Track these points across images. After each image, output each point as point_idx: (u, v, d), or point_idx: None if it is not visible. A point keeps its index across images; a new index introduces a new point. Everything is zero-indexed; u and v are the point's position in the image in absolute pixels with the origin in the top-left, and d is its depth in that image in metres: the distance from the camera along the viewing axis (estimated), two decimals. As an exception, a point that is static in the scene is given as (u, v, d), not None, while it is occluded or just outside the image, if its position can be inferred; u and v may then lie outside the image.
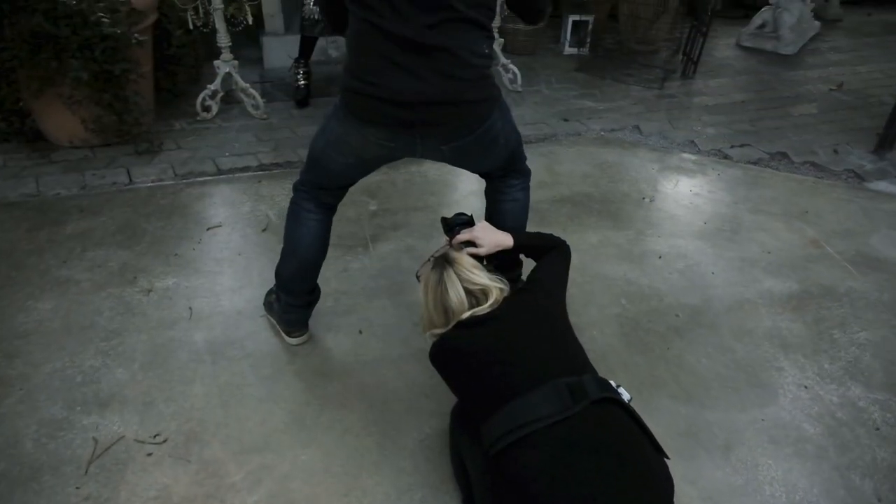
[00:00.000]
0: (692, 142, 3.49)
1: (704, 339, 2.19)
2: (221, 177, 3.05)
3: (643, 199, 2.97)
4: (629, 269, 2.52)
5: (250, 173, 3.08)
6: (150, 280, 2.39)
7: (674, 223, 2.80)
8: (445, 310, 1.66)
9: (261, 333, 2.16)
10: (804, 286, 2.45)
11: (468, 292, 1.65)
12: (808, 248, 2.68)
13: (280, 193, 2.91)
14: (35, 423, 1.84)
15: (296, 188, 1.98)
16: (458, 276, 1.67)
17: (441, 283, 1.67)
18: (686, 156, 3.36)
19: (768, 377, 2.05)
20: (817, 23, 5.08)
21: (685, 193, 3.02)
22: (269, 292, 2.24)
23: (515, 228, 1.92)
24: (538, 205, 2.89)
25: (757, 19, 4.85)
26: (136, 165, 3.09)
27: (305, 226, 1.96)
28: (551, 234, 1.92)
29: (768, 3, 4.90)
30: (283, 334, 2.14)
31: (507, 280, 1.77)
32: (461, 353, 1.60)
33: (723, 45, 4.87)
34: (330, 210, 1.99)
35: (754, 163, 3.32)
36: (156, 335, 2.15)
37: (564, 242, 1.88)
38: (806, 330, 2.24)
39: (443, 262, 1.70)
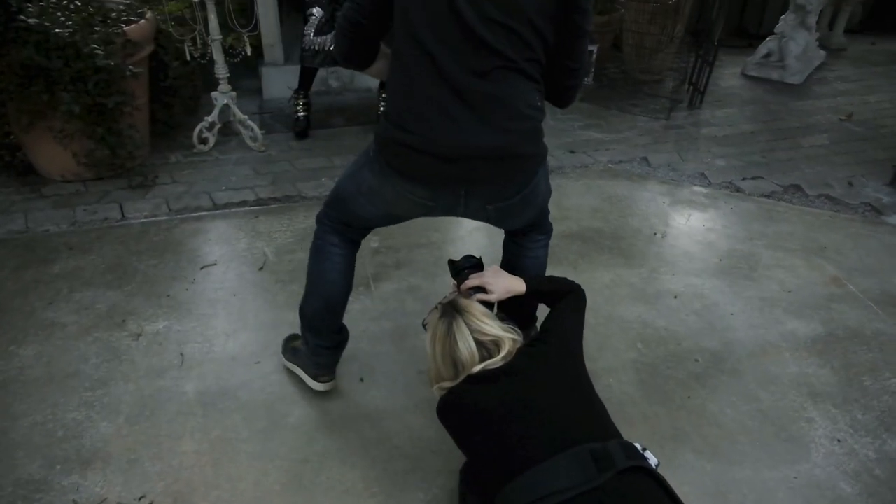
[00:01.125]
0: (702, 174, 3.40)
1: (727, 387, 2.06)
2: (217, 212, 2.94)
3: (655, 234, 2.86)
4: (644, 310, 2.40)
5: (247, 208, 2.97)
6: (140, 323, 2.26)
7: (688, 260, 2.69)
8: (455, 362, 1.54)
9: (255, 382, 2.03)
10: (829, 328, 2.33)
11: (479, 343, 1.53)
12: (830, 286, 2.56)
13: (277, 230, 2.80)
14: (11, 483, 1.70)
15: (319, 220, 1.84)
16: (468, 325, 1.55)
17: (450, 334, 1.55)
18: (697, 189, 3.26)
19: (798, 429, 1.92)
20: (822, 52, 5.03)
21: (698, 228, 2.92)
22: (290, 338, 2.11)
23: (528, 275, 1.80)
24: (546, 241, 2.78)
25: (762, 49, 4.80)
26: (129, 200, 2.98)
27: (330, 261, 1.82)
28: (564, 278, 1.80)
29: (773, 33, 4.86)
30: (309, 380, 1.99)
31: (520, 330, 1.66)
32: (472, 410, 1.47)
33: (728, 75, 4.81)
34: (355, 245, 1.87)
35: (768, 196, 3.22)
36: (144, 384, 2.02)
37: (579, 287, 1.76)
38: (834, 376, 2.11)
39: (451, 310, 1.58)
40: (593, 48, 4.34)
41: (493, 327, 1.56)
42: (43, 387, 2.00)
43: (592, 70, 4.39)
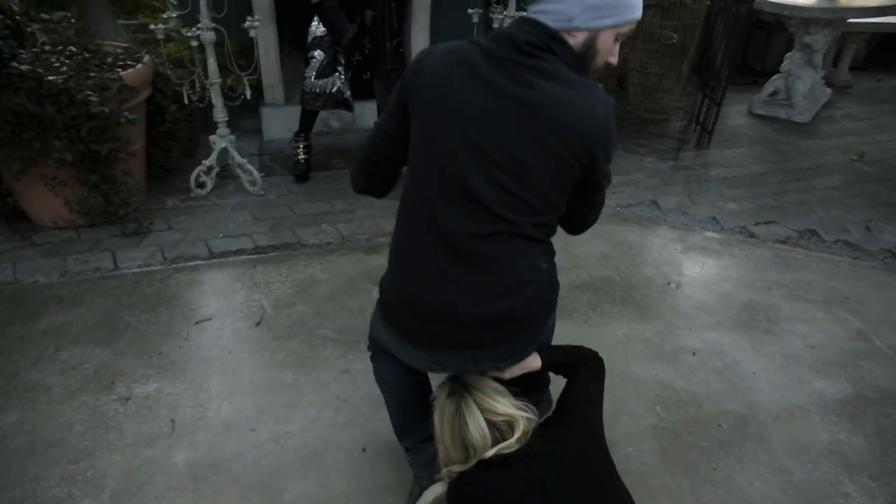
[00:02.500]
0: (714, 218, 3.30)
1: (755, 457, 1.93)
2: (213, 261, 2.83)
3: (669, 284, 2.75)
4: (661, 368, 2.27)
5: (244, 257, 2.87)
6: (129, 386, 2.14)
7: (704, 313, 2.57)
8: (465, 445, 1.42)
9: (249, 453, 1.90)
10: (858, 388, 2.20)
11: (491, 424, 1.41)
12: (856, 341, 2.44)
13: (276, 280, 2.69)
14: (-18, 572, 1.56)
15: (368, 343, 1.75)
16: (479, 405, 1.43)
17: (459, 415, 1.42)
18: (709, 234, 3.16)
19: (834, 506, 1.78)
20: (829, 90, 4.98)
21: (713, 278, 2.80)
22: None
23: (541, 346, 1.69)
24: (556, 292, 2.67)
25: (769, 87, 4.74)
26: (122, 248, 2.88)
27: (387, 374, 1.70)
28: (581, 347, 1.68)
29: (777, 71, 4.82)
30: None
31: (534, 403, 1.53)
32: (486, 499, 1.35)
33: (734, 113, 4.75)
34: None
35: (783, 242, 3.12)
36: (131, 455, 1.89)
37: (597, 356, 1.64)
38: (868, 444, 1.98)
39: (459, 388, 1.46)
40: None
41: (505, 405, 1.44)
42: (24, 458, 1.87)
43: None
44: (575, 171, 1.35)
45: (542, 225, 1.38)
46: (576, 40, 1.33)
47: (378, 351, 1.69)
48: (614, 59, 1.41)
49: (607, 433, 1.50)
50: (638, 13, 1.36)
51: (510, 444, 1.38)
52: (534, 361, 1.56)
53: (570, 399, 1.50)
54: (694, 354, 2.35)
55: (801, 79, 4.57)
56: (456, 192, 1.33)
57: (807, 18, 4.29)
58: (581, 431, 1.43)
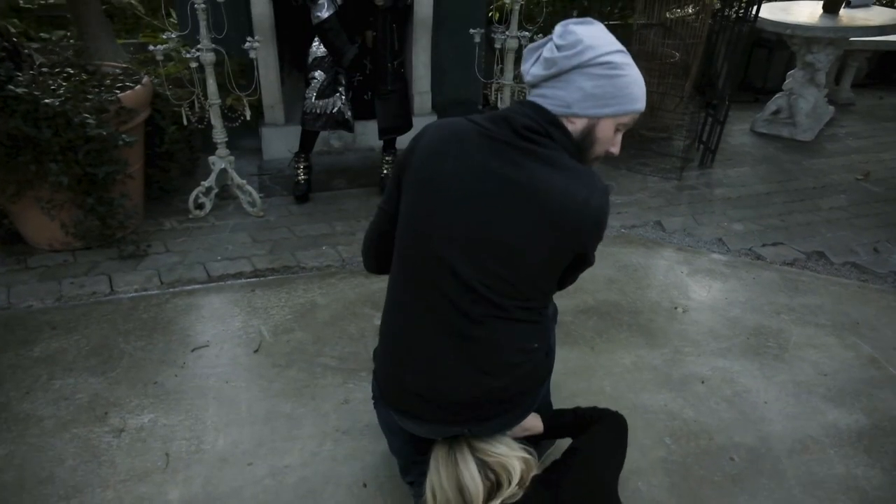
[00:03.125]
0: (720, 240, 3.25)
1: (769, 493, 1.86)
2: (212, 285, 2.78)
3: (675, 308, 2.70)
4: (670, 398, 2.22)
5: (243, 280, 2.82)
6: (123, 417, 2.08)
7: (713, 339, 2.52)
8: (460, 489, 1.36)
9: (246, 489, 1.84)
10: (873, 419, 2.14)
11: (484, 465, 1.35)
12: (868, 368, 2.38)
13: (275, 305, 2.64)
14: None
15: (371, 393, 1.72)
16: (470, 445, 1.38)
17: (451, 457, 1.38)
18: (716, 256, 3.11)
19: (853, 546, 1.72)
20: (831, 108, 4.96)
21: (720, 302, 2.75)
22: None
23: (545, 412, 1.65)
24: (560, 316, 2.60)
25: (771, 105, 4.72)
26: (119, 272, 2.83)
27: (389, 418, 1.65)
28: (595, 407, 1.62)
29: (780, 89, 4.79)
30: None
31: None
32: None
33: (737, 132, 4.72)
34: None
35: (790, 264, 3.07)
36: (123, 492, 1.82)
37: (616, 414, 1.58)
38: (886, 479, 1.92)
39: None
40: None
41: (499, 446, 1.39)
42: (13, 495, 1.80)
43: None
44: (567, 257, 1.34)
45: (531, 308, 1.36)
46: (574, 127, 1.31)
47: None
48: (615, 149, 1.39)
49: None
50: (639, 105, 1.33)
51: (513, 494, 1.32)
52: (535, 422, 1.51)
53: (580, 442, 1.45)
54: (703, 382, 2.29)
55: (803, 97, 4.55)
56: (443, 273, 1.30)
57: (809, 37, 4.27)
58: (585, 474, 1.37)
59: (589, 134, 1.32)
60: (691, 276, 2.94)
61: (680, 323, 2.61)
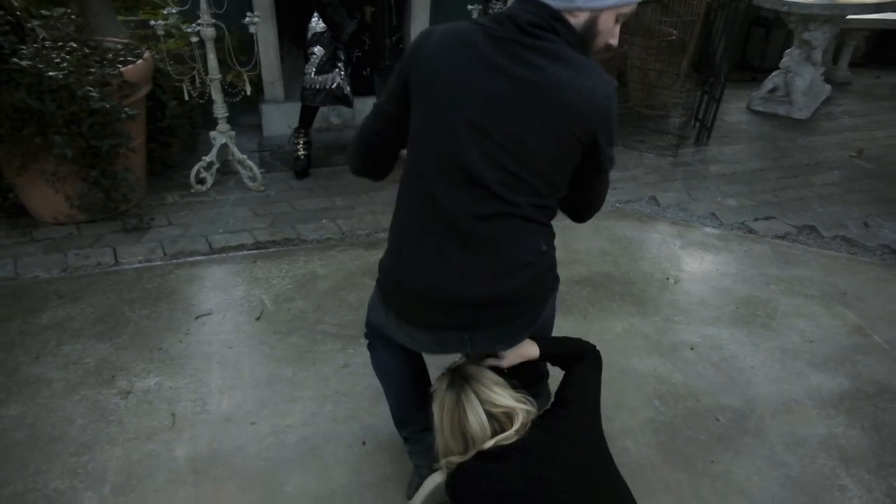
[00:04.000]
0: (713, 214, 3.31)
1: (752, 450, 1.94)
2: (214, 256, 2.84)
3: (667, 279, 2.76)
4: (659, 363, 2.29)
5: (244, 252, 2.88)
6: (130, 380, 2.15)
7: (703, 308, 2.58)
8: (464, 436, 1.43)
9: (250, 446, 1.91)
10: (856, 383, 2.21)
11: (490, 416, 1.42)
12: (854, 336, 2.45)
13: (276, 276, 2.70)
14: (-16, 564, 1.58)
15: (366, 331, 1.78)
16: (479, 396, 1.44)
17: (459, 406, 1.44)
18: (708, 230, 3.17)
19: (831, 499, 1.80)
20: (828, 86, 4.98)
21: (712, 273, 2.81)
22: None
23: (539, 336, 1.69)
24: (555, 287, 2.67)
25: (768, 83, 4.75)
26: (123, 244, 2.89)
27: (385, 362, 1.73)
28: (579, 339, 1.69)
29: (777, 67, 4.82)
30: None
31: (533, 396, 1.55)
32: (485, 492, 1.36)
33: (734, 110, 4.75)
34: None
35: (781, 237, 3.13)
36: (132, 449, 1.90)
37: (594, 349, 1.65)
38: (866, 438, 1.99)
39: (460, 379, 1.47)
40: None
41: (504, 398, 1.45)
42: (26, 452, 1.88)
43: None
44: (576, 151, 1.35)
45: (543, 206, 1.38)
46: (577, 20, 1.34)
47: (376, 338, 1.71)
48: (614, 41, 1.42)
49: (606, 427, 1.51)
50: None
51: (509, 436, 1.39)
52: (531, 349, 1.57)
53: (568, 391, 1.51)
54: (692, 349, 2.36)
55: (800, 75, 4.58)
56: (456, 172, 1.33)
57: (806, 15, 4.29)
58: (579, 423, 1.44)
59: (592, 26, 1.35)
60: (684, 248, 3.00)
61: (671, 293, 2.68)
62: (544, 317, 1.55)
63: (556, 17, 1.32)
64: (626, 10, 1.37)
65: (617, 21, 1.39)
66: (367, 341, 1.77)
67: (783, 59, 4.76)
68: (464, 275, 1.36)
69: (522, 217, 1.36)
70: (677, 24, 4.23)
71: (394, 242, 1.47)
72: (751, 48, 5.68)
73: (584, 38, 1.35)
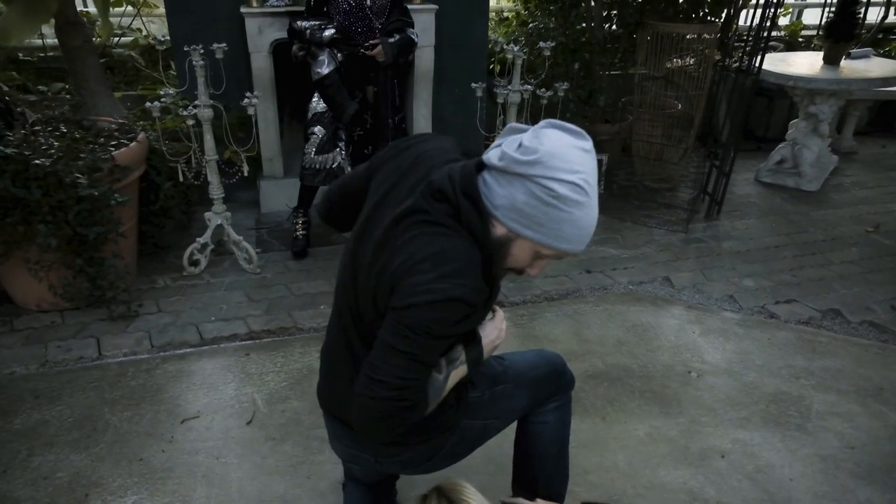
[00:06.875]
0: (731, 297, 3.15)
1: (802, 586, 1.72)
2: (204, 348, 2.66)
3: (689, 372, 2.58)
4: (689, 474, 2.08)
5: (237, 343, 2.70)
6: (105, 499, 1.95)
7: (730, 407, 2.39)
8: None
9: (236, 585, 1.69)
10: (907, 498, 2.01)
11: None
12: (897, 440, 2.26)
13: (270, 371, 2.52)
14: None
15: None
16: (447, 496, 1.26)
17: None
18: (728, 314, 3.00)
19: None
20: (835, 157, 4.91)
21: (736, 365, 2.63)
22: None
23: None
24: (570, 382, 2.49)
25: (775, 155, 4.68)
26: (108, 334, 2.72)
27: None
28: None
29: (782, 139, 4.76)
30: None
31: None
32: None
33: (742, 181, 4.66)
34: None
35: (805, 322, 2.96)
36: (101, 588, 1.68)
37: None
38: (927, 569, 1.78)
39: (434, 491, 1.28)
40: (603, 157, 4.21)
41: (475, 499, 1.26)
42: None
43: (603, 180, 4.24)
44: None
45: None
46: (495, 231, 1.21)
47: (348, 479, 1.73)
48: (533, 272, 1.28)
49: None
50: (567, 247, 1.19)
51: None
52: None
53: None
54: (723, 457, 2.16)
55: (807, 147, 4.51)
56: (347, 300, 1.36)
57: (812, 89, 4.26)
58: None
59: (504, 245, 1.22)
60: (704, 336, 2.83)
61: (695, 389, 2.49)
62: (462, 441, 1.53)
63: (477, 205, 1.19)
64: (549, 252, 1.21)
65: (539, 257, 1.24)
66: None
67: (789, 131, 4.70)
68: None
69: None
70: (682, 98, 4.18)
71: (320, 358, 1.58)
72: (754, 118, 5.65)
73: (493, 248, 1.22)
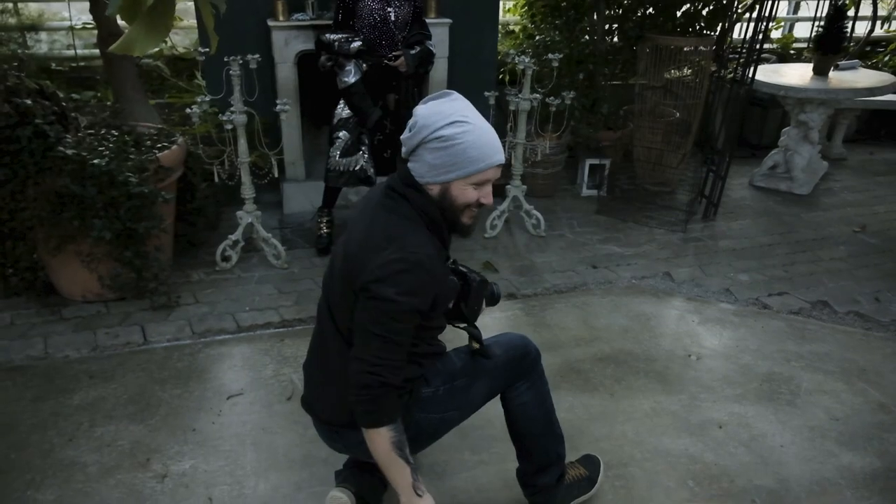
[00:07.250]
0: (727, 290, 3.38)
1: (791, 533, 1.94)
2: (242, 335, 2.88)
3: (689, 356, 2.81)
4: (690, 442, 2.30)
5: (272, 330, 2.92)
6: (165, 463, 2.15)
7: (727, 385, 2.62)
8: None
9: (290, 532, 1.91)
10: (886, 462, 2.23)
11: None
12: (878, 413, 2.48)
13: (304, 354, 2.72)
14: None
15: None
16: None
17: None
18: (724, 306, 3.24)
19: (875, 584, 1.79)
20: (825, 163, 5.17)
21: (732, 349, 2.86)
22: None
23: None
24: (579, 364, 2.72)
25: (768, 161, 4.93)
26: (151, 322, 2.93)
27: None
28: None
29: (775, 146, 5.01)
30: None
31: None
32: None
33: (737, 185, 4.91)
34: None
35: (796, 313, 3.19)
36: (170, 535, 1.89)
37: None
38: (902, 519, 2.00)
39: None
40: (606, 162, 4.46)
41: None
42: (62, 539, 1.87)
43: (606, 183, 4.48)
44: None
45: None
46: (433, 192, 1.55)
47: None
48: (486, 200, 1.58)
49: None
50: (483, 164, 1.51)
51: None
52: None
53: None
54: (721, 427, 2.38)
55: (798, 153, 4.76)
56: (323, 307, 1.73)
57: (802, 98, 4.51)
58: None
59: (445, 196, 1.55)
60: (702, 324, 3.05)
61: (694, 370, 2.72)
62: (421, 434, 1.72)
63: (414, 185, 1.55)
64: (477, 178, 1.53)
65: (477, 185, 1.55)
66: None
67: (781, 138, 4.95)
68: (323, 400, 1.80)
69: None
70: (680, 107, 4.43)
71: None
72: (748, 126, 5.91)
73: (442, 204, 1.55)
